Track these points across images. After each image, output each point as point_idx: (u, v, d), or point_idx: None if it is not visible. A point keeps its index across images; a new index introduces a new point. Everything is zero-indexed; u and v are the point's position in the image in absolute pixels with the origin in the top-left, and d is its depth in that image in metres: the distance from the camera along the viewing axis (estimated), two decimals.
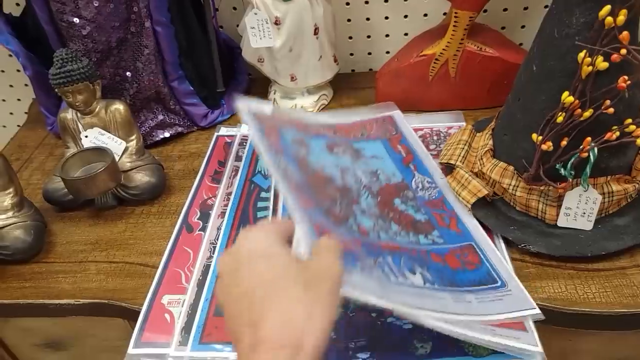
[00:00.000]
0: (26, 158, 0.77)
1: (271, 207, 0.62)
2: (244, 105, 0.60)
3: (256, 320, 0.31)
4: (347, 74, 0.88)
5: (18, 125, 1.03)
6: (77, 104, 0.62)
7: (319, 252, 0.36)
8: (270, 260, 0.35)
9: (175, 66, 0.72)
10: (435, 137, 0.70)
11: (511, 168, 0.54)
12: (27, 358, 0.67)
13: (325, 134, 0.64)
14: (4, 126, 1.05)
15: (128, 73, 0.70)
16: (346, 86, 0.83)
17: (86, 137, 0.65)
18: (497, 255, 0.52)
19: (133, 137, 0.66)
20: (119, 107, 0.65)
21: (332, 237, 0.39)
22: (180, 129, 0.77)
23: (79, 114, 0.65)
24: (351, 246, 0.45)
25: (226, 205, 0.64)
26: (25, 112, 1.01)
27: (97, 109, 0.65)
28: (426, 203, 0.57)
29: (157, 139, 0.75)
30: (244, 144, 0.73)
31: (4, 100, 1.01)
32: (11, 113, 1.03)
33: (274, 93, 0.80)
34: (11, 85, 0.98)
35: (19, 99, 1.00)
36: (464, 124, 0.71)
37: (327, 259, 0.35)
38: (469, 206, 0.55)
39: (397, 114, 0.70)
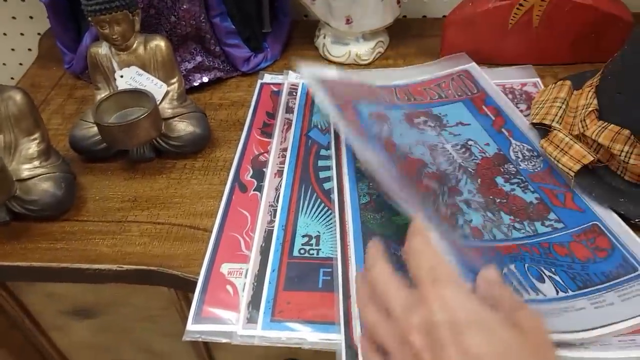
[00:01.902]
0: (42, 99, 0.68)
1: (334, 167, 0.55)
2: (309, 72, 0.55)
3: None
4: (400, 20, 0.79)
5: (20, 64, 0.93)
6: (113, 36, 0.53)
7: (511, 305, 0.30)
8: (485, 331, 0.28)
9: None
10: (510, 96, 0.62)
11: (626, 132, 0.47)
12: (50, 325, 0.60)
13: (400, 103, 0.58)
14: (4, 64, 0.94)
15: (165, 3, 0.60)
16: (402, 34, 0.74)
17: (121, 77, 0.56)
18: (629, 233, 0.45)
19: (174, 79, 0.57)
20: (160, 43, 0.56)
21: (490, 273, 0.33)
22: (219, 74, 0.68)
23: (113, 50, 0.55)
24: (473, 260, 0.39)
25: (282, 163, 0.56)
26: (29, 49, 0.91)
27: (134, 45, 0.55)
28: (532, 177, 0.50)
29: (195, 83, 0.66)
30: (294, 93, 0.65)
31: (5, 34, 0.89)
32: (13, 49, 0.92)
33: (324, 37, 0.71)
34: (14, 17, 0.87)
35: (22, 34, 0.89)
36: (538, 79, 0.64)
37: (533, 318, 0.30)
38: (572, 174, 0.49)
39: (473, 67, 0.63)
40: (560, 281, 0.41)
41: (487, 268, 0.33)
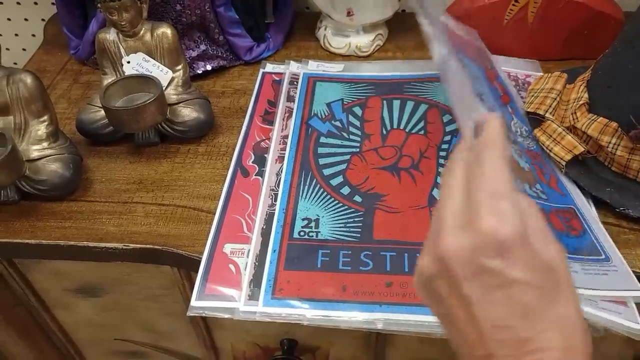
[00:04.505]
0: (47, 84, 0.69)
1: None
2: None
3: (532, 333, 0.27)
4: (398, 14, 0.80)
5: (24, 49, 0.94)
6: (122, 23, 0.54)
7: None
8: (548, 242, 0.28)
9: None
10: (513, 83, 0.63)
11: (614, 124, 0.49)
12: (55, 303, 0.62)
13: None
14: (8, 49, 0.95)
15: None
16: (400, 27, 0.76)
17: (128, 62, 0.57)
18: (599, 225, 0.47)
19: (180, 66, 0.59)
20: (166, 30, 0.57)
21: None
22: (222, 63, 0.69)
23: (121, 36, 0.57)
24: None
25: (283, 150, 0.58)
26: (33, 35, 0.92)
27: (142, 32, 0.57)
28: (527, 152, 0.52)
29: (199, 71, 0.68)
30: (295, 83, 0.67)
31: (9, 19, 0.90)
32: (17, 34, 0.93)
33: (325, 29, 0.73)
34: (18, 3, 0.88)
35: (26, 19, 0.90)
36: (541, 74, 0.65)
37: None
38: (564, 164, 0.51)
39: (486, 49, 0.63)
40: None
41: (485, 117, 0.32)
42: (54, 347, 0.69)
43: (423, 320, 0.43)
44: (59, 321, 0.65)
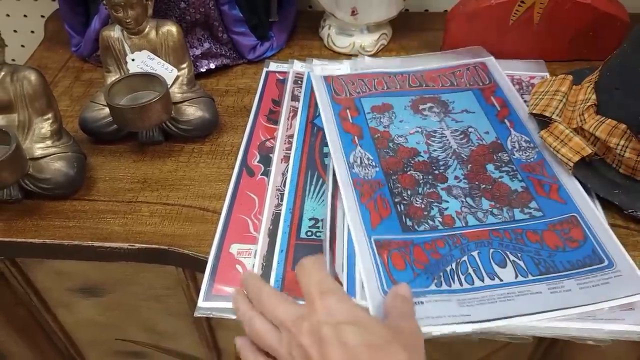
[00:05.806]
0: (49, 82, 0.68)
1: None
2: (319, 69, 0.64)
3: None
4: (402, 13, 0.80)
5: (22, 46, 0.93)
6: (127, 20, 0.54)
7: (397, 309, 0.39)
8: (361, 327, 0.34)
9: None
10: (517, 86, 0.63)
11: (622, 126, 0.49)
12: (57, 302, 0.62)
13: (411, 89, 0.61)
14: (6, 45, 0.94)
15: None
16: (404, 27, 0.75)
17: (132, 60, 0.56)
18: (605, 228, 0.47)
19: (185, 65, 0.58)
20: (171, 28, 0.57)
21: (401, 289, 0.41)
22: (226, 61, 0.69)
23: (125, 34, 0.56)
24: (427, 257, 0.44)
25: (289, 149, 0.57)
26: (32, 31, 0.91)
27: (146, 29, 0.56)
28: (523, 167, 0.53)
29: (202, 69, 0.67)
30: (299, 82, 0.66)
31: (7, 15, 0.89)
32: (15, 31, 0.92)
33: (329, 28, 0.73)
34: None
35: (25, 15, 0.89)
36: (547, 74, 0.65)
37: (411, 320, 0.38)
38: (571, 165, 0.51)
39: (490, 60, 0.65)
40: (523, 266, 0.44)
41: (399, 285, 0.41)
42: (54, 347, 0.68)
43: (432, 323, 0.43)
44: (60, 321, 0.65)
